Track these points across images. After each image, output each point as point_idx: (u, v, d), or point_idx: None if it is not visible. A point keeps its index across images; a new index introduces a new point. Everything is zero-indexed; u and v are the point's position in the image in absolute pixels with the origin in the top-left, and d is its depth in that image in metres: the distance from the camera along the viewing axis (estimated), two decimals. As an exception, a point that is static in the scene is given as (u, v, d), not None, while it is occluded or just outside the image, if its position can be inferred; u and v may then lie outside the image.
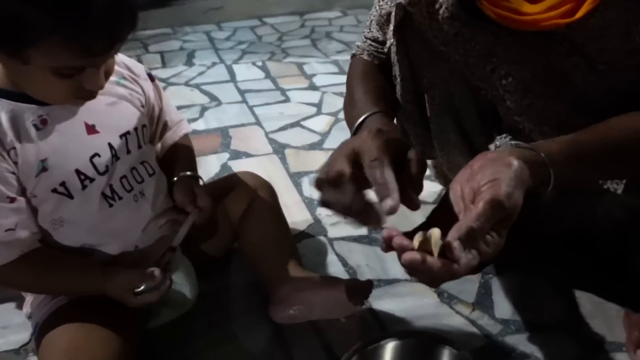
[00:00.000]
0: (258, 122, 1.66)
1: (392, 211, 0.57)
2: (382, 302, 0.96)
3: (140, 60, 2.10)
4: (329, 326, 0.90)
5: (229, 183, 1.00)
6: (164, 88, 1.68)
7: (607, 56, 0.68)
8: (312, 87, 1.92)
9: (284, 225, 1.00)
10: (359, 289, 0.85)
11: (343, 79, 1.81)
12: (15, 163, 0.72)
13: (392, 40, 0.78)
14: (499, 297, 0.97)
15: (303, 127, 1.63)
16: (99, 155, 0.78)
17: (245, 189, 0.98)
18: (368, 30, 0.92)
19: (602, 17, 0.66)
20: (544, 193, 0.60)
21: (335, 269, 1.05)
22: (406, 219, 0.66)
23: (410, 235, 0.57)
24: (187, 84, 1.96)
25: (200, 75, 2.04)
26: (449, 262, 0.53)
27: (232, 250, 1.05)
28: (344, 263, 1.06)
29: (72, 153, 0.76)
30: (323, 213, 1.21)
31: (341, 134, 1.54)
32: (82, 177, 0.76)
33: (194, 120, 1.66)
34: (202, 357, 0.86)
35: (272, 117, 1.68)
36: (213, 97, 1.84)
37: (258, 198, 0.98)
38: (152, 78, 0.91)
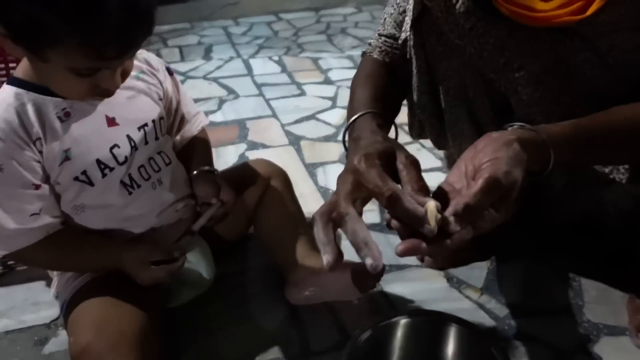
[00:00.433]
0: (274, 115, 1.70)
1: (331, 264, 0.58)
2: (394, 285, 1.00)
3: (159, 55, 2.16)
4: (342, 307, 0.94)
5: (245, 170, 1.04)
6: (183, 82, 1.73)
7: (617, 51, 0.71)
8: (327, 82, 1.96)
9: (298, 211, 1.03)
10: (366, 274, 0.86)
11: (358, 73, 1.84)
12: (41, 152, 0.76)
13: (408, 33, 0.82)
14: (506, 283, 1.01)
15: (318, 119, 1.67)
16: (119, 146, 0.81)
17: (260, 175, 1.01)
18: (383, 28, 0.95)
19: (612, 13, 0.69)
20: (545, 172, 0.63)
21: (348, 254, 1.08)
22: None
23: None
24: (205, 77, 2.01)
25: (217, 69, 2.09)
26: (440, 241, 0.56)
27: (248, 236, 1.09)
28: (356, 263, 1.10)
29: (93, 144, 0.79)
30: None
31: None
32: (103, 166, 0.80)
33: (212, 112, 1.71)
34: (221, 335, 0.91)
35: (288, 110, 1.73)
36: (231, 90, 1.88)
37: (272, 184, 1.01)
38: (170, 72, 0.94)
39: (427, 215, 0.56)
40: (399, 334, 0.78)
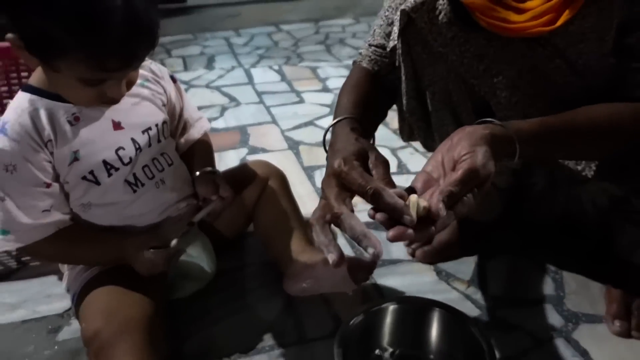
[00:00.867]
0: (274, 121, 1.77)
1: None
2: (385, 279, 1.07)
3: (163, 64, 2.21)
4: (336, 298, 1.00)
5: (244, 171, 1.10)
6: (187, 90, 1.80)
7: (585, 59, 0.78)
8: (325, 89, 2.03)
9: (295, 209, 1.09)
10: (361, 267, 0.92)
11: (355, 81, 1.90)
12: (52, 153, 0.83)
13: (396, 42, 0.88)
14: (492, 277, 1.07)
15: (316, 125, 1.74)
16: (124, 148, 0.88)
17: (259, 175, 1.08)
18: (372, 39, 1.00)
19: (581, 25, 0.75)
20: (511, 163, 0.70)
21: (344, 250, 1.15)
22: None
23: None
24: (207, 86, 2.08)
25: (220, 78, 2.17)
26: (425, 227, 0.62)
27: (246, 234, 1.15)
28: (352, 245, 1.17)
29: (100, 146, 0.86)
30: (334, 203, 1.31)
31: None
32: (109, 167, 0.87)
33: (215, 119, 1.78)
34: (222, 325, 0.96)
35: (287, 117, 1.80)
36: (232, 98, 1.96)
37: (270, 184, 1.07)
38: (174, 80, 1.01)
39: (409, 207, 0.62)
40: (388, 318, 0.85)
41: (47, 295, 1.03)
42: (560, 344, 0.92)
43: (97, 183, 0.86)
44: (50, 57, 0.73)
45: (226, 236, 1.09)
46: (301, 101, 1.94)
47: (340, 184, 0.69)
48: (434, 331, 0.84)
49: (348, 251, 1.15)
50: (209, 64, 2.33)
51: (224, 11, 3.20)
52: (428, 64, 0.87)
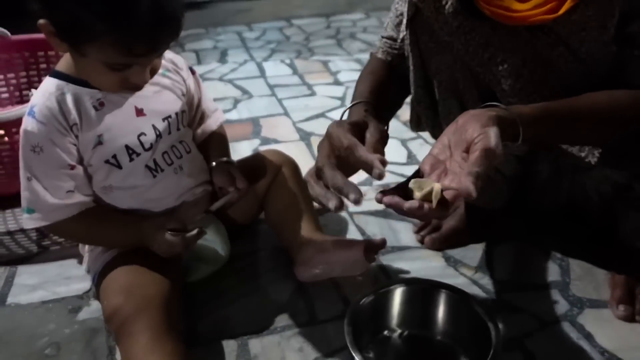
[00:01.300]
0: (286, 113, 1.80)
1: (357, 201, 0.67)
2: (394, 264, 1.09)
3: (177, 57, 2.26)
4: (346, 281, 1.03)
5: (257, 159, 1.13)
6: (200, 82, 1.83)
7: (587, 47, 0.80)
8: (337, 82, 2.05)
9: (306, 196, 1.10)
10: (376, 246, 0.96)
11: (365, 74, 1.93)
12: (77, 136, 0.86)
13: (405, 32, 0.91)
14: (499, 262, 1.09)
15: (327, 117, 1.76)
16: (145, 134, 0.92)
17: (271, 164, 1.11)
18: (385, 31, 1.05)
19: (583, 13, 0.78)
20: (512, 145, 0.72)
21: (354, 237, 1.18)
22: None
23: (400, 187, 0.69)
24: (220, 79, 2.12)
25: (232, 71, 2.20)
26: (444, 208, 0.66)
27: (259, 221, 1.18)
28: (362, 232, 1.19)
29: (123, 131, 0.90)
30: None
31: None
32: (130, 151, 0.90)
33: (228, 111, 1.81)
34: (235, 306, 1.00)
35: (299, 109, 1.82)
36: (245, 91, 1.99)
37: (282, 172, 1.10)
38: (193, 71, 1.04)
39: (430, 195, 0.65)
40: (396, 300, 0.87)
41: (67, 277, 1.07)
42: (565, 327, 0.94)
43: (119, 167, 0.90)
44: (80, 42, 0.77)
45: (239, 222, 1.12)
46: (312, 94, 1.96)
47: (330, 145, 0.73)
48: (441, 312, 0.86)
49: (358, 237, 1.18)
50: (222, 58, 2.36)
51: (236, 6, 3.23)
52: (435, 53, 0.89)
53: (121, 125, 0.89)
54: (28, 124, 0.84)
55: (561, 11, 0.76)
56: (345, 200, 0.69)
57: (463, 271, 1.07)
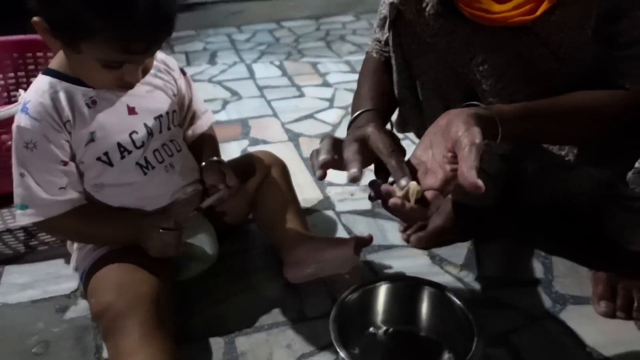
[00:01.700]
0: (275, 114, 1.81)
1: (406, 186, 0.71)
2: (381, 263, 1.11)
3: (167, 59, 2.27)
4: (334, 279, 1.04)
5: (247, 160, 1.14)
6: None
7: (566, 47, 0.82)
8: (326, 84, 2.07)
9: (295, 197, 1.13)
10: (364, 242, 0.99)
11: (354, 76, 1.96)
12: (70, 133, 0.87)
13: (387, 34, 0.92)
14: (485, 260, 1.11)
15: (316, 119, 1.78)
16: (137, 133, 0.93)
17: (261, 165, 1.11)
18: (374, 32, 1.06)
19: (561, 14, 0.79)
20: (494, 144, 0.74)
21: (342, 236, 1.20)
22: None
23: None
24: (210, 80, 2.13)
25: (222, 73, 2.21)
26: (423, 208, 0.68)
27: (248, 220, 1.20)
28: (349, 232, 1.21)
29: (115, 129, 0.91)
30: (332, 191, 1.36)
31: (350, 125, 1.69)
32: (122, 149, 0.91)
33: (217, 112, 1.82)
34: (225, 303, 1.01)
35: (288, 110, 1.84)
36: (234, 92, 2.00)
37: (272, 173, 1.11)
38: (184, 72, 1.06)
39: (408, 194, 0.68)
40: (381, 296, 0.89)
41: (56, 276, 1.08)
42: (549, 322, 0.96)
43: (111, 164, 0.91)
44: (76, 38, 0.78)
45: (229, 223, 1.13)
46: (302, 95, 1.98)
47: (360, 148, 0.76)
48: (425, 308, 0.88)
49: (346, 236, 1.19)
50: (212, 60, 2.37)
51: (227, 8, 3.24)
52: (418, 54, 0.91)
53: (113, 123, 0.90)
54: (21, 120, 0.84)
55: (538, 12, 0.78)
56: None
57: (449, 269, 1.09)
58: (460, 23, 0.83)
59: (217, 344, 0.92)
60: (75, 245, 0.99)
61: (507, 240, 1.16)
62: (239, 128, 1.71)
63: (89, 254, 0.95)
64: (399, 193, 0.70)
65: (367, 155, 0.77)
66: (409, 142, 1.58)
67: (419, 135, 1.10)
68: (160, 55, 1.00)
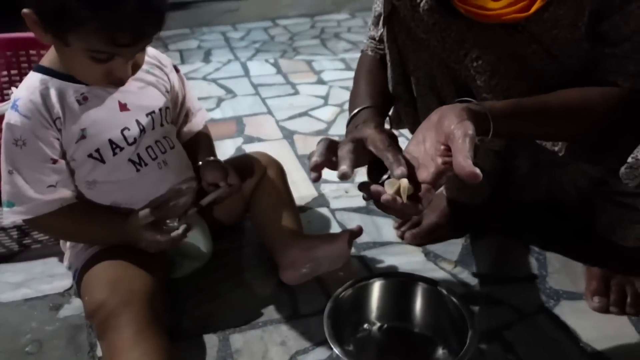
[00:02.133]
0: (270, 112, 1.81)
1: (403, 175, 0.71)
2: (375, 260, 1.11)
3: (161, 57, 2.26)
4: (328, 276, 1.04)
5: (244, 160, 1.13)
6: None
7: (559, 44, 0.82)
8: (320, 82, 2.07)
9: (291, 198, 1.12)
10: (356, 234, 1.00)
11: (349, 74, 1.97)
12: (60, 130, 0.87)
13: (382, 30, 0.92)
14: (479, 256, 1.11)
15: (311, 116, 1.78)
16: (129, 129, 0.92)
17: (257, 165, 1.11)
18: (369, 30, 1.06)
19: (554, 12, 0.79)
20: (486, 139, 0.74)
21: (335, 231, 1.19)
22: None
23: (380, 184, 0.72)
24: (204, 78, 2.12)
25: (216, 71, 2.20)
26: (416, 203, 0.68)
27: (244, 219, 1.20)
28: (344, 229, 1.20)
29: (106, 125, 0.90)
30: (327, 189, 1.36)
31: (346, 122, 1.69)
32: (114, 146, 0.91)
33: (211, 110, 1.82)
34: (219, 300, 1.01)
35: (282, 108, 1.83)
36: (229, 90, 2.00)
37: (268, 173, 1.11)
38: (177, 70, 1.05)
39: (400, 191, 0.68)
40: (375, 292, 0.89)
41: (49, 275, 1.08)
42: (543, 318, 0.96)
43: (102, 161, 0.90)
44: (64, 29, 0.77)
45: (225, 222, 1.13)
46: (296, 93, 1.97)
47: (354, 148, 0.76)
48: (419, 304, 0.88)
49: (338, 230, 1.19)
50: (206, 58, 2.36)
51: (222, 6, 3.23)
52: (412, 50, 0.91)
53: (105, 119, 0.90)
54: (11, 117, 0.84)
55: (532, 10, 0.78)
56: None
57: (443, 265, 1.09)
58: (454, 19, 0.83)
59: (211, 341, 0.92)
60: (68, 243, 0.98)
61: (501, 237, 1.16)
62: (233, 126, 1.71)
63: (82, 252, 0.95)
64: (390, 191, 0.70)
65: (362, 155, 0.77)
66: (404, 140, 1.58)
67: (414, 131, 1.09)
68: (152, 51, 0.99)
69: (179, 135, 1.06)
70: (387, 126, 0.96)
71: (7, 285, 1.05)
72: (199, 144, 1.08)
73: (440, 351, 0.86)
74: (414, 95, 0.99)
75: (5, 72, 1.43)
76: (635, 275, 0.99)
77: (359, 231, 0.99)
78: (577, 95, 0.79)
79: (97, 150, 0.90)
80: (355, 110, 0.91)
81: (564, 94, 0.78)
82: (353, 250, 1.03)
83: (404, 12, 0.86)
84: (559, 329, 0.94)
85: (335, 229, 1.21)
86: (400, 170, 0.70)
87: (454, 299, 0.83)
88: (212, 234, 1.06)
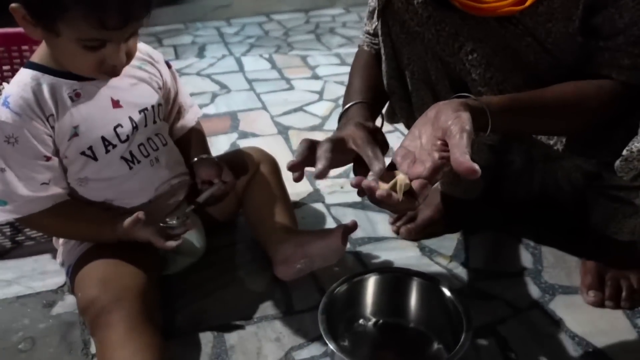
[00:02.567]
0: (264, 107, 1.80)
1: (381, 171, 0.72)
2: (370, 255, 1.10)
3: (155, 52, 2.25)
4: (323, 272, 1.04)
5: (237, 156, 1.13)
6: (178, 77, 1.82)
7: (553, 37, 0.81)
8: (315, 77, 2.06)
9: (284, 193, 1.12)
10: (350, 229, 0.99)
11: (344, 69, 1.96)
12: (52, 127, 0.86)
13: (377, 23, 0.92)
14: (474, 251, 1.11)
15: (306, 111, 1.77)
16: (122, 126, 0.91)
17: (250, 161, 1.10)
18: (364, 25, 1.06)
19: (549, 5, 0.79)
20: (484, 135, 0.74)
21: (330, 226, 1.19)
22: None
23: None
24: (198, 74, 2.11)
25: (210, 66, 2.19)
26: (411, 199, 0.68)
27: (237, 216, 1.19)
28: (339, 224, 1.20)
29: (99, 122, 0.89)
30: (322, 184, 1.35)
31: (340, 117, 1.69)
32: (106, 143, 0.90)
33: (205, 105, 1.81)
34: (213, 297, 1.00)
35: (277, 103, 1.83)
36: (223, 86, 1.99)
37: (262, 169, 1.10)
38: (169, 65, 1.04)
39: (396, 187, 0.68)
40: (369, 288, 0.89)
41: (42, 272, 1.07)
42: (537, 313, 0.96)
43: (95, 159, 0.89)
44: (51, 18, 0.76)
45: (219, 219, 1.13)
46: (291, 88, 1.97)
47: (332, 147, 0.76)
48: (414, 300, 0.88)
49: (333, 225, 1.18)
50: (200, 53, 2.35)
51: (216, 1, 3.21)
52: (406, 43, 0.90)
53: (97, 116, 0.89)
54: (2, 114, 0.82)
55: (527, 3, 0.77)
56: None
57: (438, 260, 1.09)
58: (448, 12, 0.83)
59: (205, 337, 0.91)
60: (61, 240, 0.98)
61: (496, 232, 1.16)
62: (228, 121, 1.70)
63: (74, 249, 0.94)
64: (385, 186, 0.69)
65: (342, 154, 0.78)
66: (399, 134, 1.58)
67: (408, 126, 1.09)
68: (144, 47, 0.98)
69: (171, 131, 1.05)
70: (379, 121, 0.96)
71: (-1, 283, 1.04)
72: (192, 141, 1.07)
73: (435, 346, 0.86)
74: (409, 89, 0.98)
75: (-4, 68, 1.41)
76: (629, 269, 0.99)
77: (353, 226, 0.99)
78: (572, 89, 0.79)
79: (90, 148, 0.89)
80: (346, 106, 0.91)
81: (559, 88, 0.78)
82: (348, 245, 1.03)
83: (398, 5, 0.85)
84: (554, 323, 0.94)
85: (330, 224, 1.21)
86: (378, 167, 0.71)
87: (450, 294, 0.82)
88: (206, 230, 1.06)
